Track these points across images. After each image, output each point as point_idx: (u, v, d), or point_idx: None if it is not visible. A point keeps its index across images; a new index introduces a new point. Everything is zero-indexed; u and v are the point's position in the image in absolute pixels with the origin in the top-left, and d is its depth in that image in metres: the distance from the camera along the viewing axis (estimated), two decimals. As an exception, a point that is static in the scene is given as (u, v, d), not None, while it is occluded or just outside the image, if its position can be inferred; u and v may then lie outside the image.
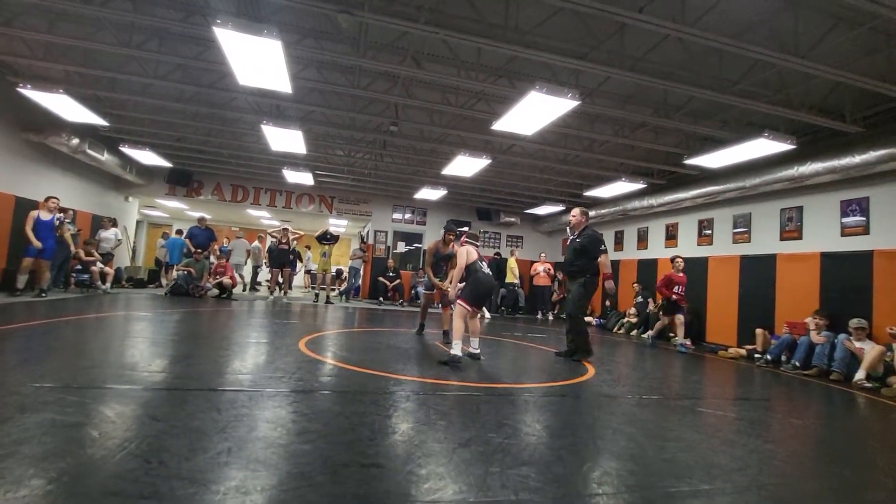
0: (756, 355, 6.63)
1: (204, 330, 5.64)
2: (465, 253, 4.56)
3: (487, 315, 10.79)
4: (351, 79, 6.20)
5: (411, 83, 6.39)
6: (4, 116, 7.47)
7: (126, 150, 9.42)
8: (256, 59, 4.74)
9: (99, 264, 8.92)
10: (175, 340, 4.69)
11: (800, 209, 7.19)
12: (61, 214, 8.16)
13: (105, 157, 9.23)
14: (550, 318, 11.89)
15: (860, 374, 5.03)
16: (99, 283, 8.76)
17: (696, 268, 8.79)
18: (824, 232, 6.77)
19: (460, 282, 4.64)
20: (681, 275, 7.51)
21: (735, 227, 8.32)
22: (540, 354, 5.74)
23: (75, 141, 8.20)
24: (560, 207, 12.47)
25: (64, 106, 6.78)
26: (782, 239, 7.41)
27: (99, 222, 10.62)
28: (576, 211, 5.48)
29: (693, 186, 8.48)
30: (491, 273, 4.66)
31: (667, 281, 7.51)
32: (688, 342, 7.41)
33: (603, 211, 11.01)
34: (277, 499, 1.60)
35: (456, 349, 4.15)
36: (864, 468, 2.64)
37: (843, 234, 6.48)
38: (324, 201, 13.16)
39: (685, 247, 9.40)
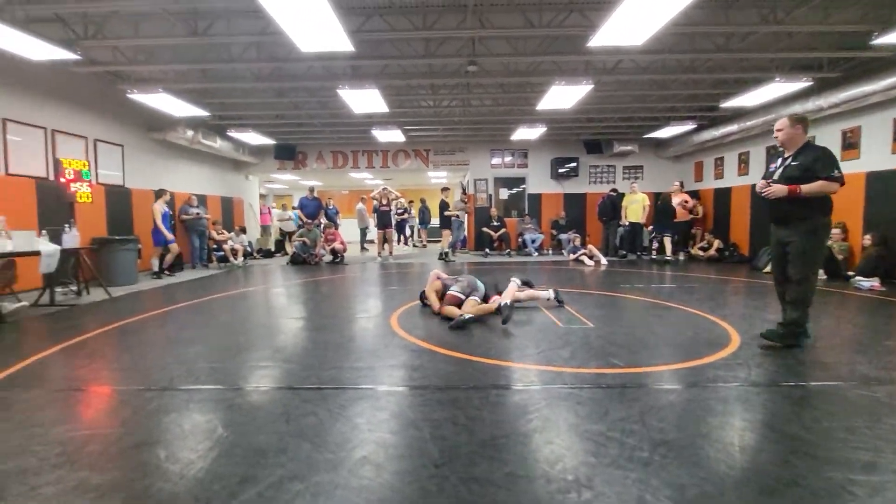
0: None
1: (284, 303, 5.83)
2: None
3: (604, 260, 9.75)
4: (415, 20, 5.51)
5: (484, 9, 5.46)
6: (133, 121, 8.36)
7: (233, 133, 10.09)
8: (305, 20, 4.35)
9: (230, 242, 9.93)
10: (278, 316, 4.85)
11: None
12: (196, 205, 9.16)
13: (218, 143, 10.01)
14: (681, 258, 10.33)
15: None
16: (232, 258, 9.78)
17: (891, 182, 6.68)
18: None
19: None
20: None
21: (956, 121, 5.97)
22: (666, 316, 4.81)
23: (190, 133, 8.95)
24: (689, 126, 10.43)
25: (168, 103, 7.28)
26: None
27: (229, 203, 11.80)
28: (783, 121, 3.55)
29: (885, 74, 6.22)
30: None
31: None
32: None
33: (748, 124, 8.90)
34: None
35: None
36: None
37: None
38: (419, 155, 12.88)
39: (871, 157, 7.13)
